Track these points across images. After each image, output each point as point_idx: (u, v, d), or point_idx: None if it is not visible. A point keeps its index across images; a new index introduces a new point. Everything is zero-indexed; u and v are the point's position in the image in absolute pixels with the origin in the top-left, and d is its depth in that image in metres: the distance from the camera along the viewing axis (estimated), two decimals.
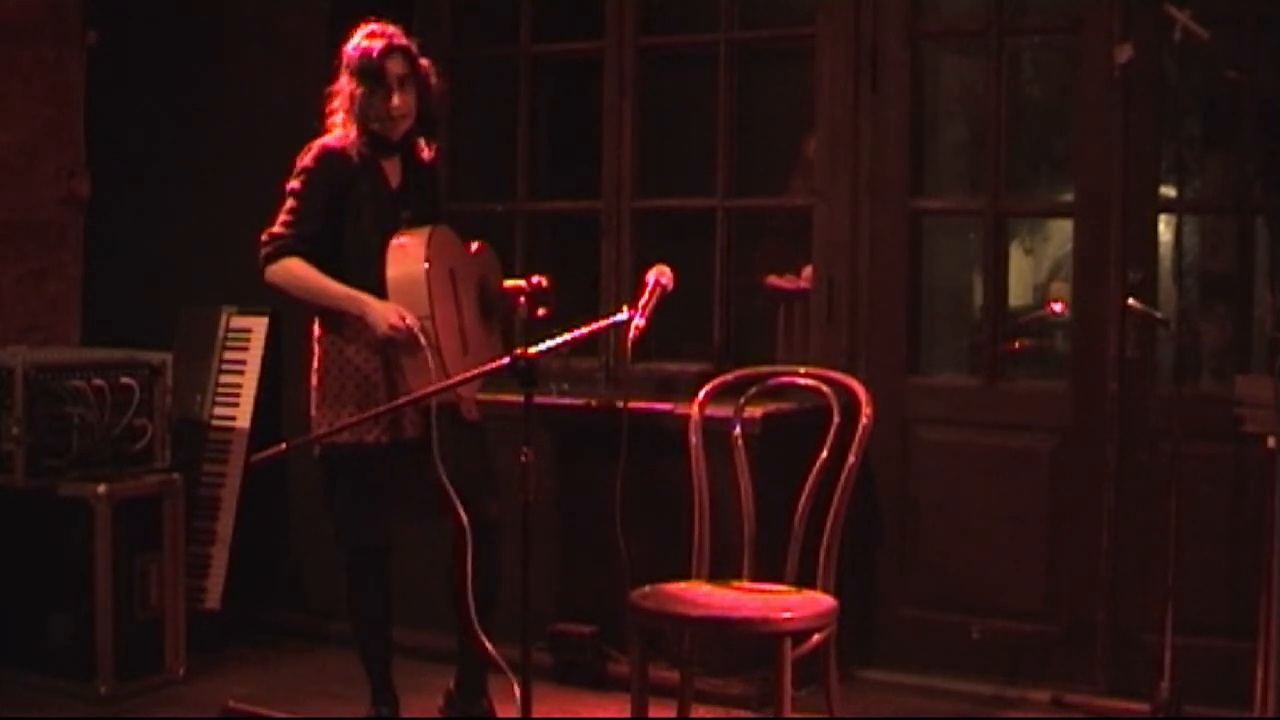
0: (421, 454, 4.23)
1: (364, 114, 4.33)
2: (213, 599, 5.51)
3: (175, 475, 5.14)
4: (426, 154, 4.47)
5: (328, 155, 4.36)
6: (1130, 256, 4.86)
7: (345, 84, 4.35)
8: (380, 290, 4.26)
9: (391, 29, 4.37)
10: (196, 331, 5.79)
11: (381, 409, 4.16)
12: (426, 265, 4.20)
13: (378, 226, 4.33)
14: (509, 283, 4.57)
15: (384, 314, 4.20)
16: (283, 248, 4.32)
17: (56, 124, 6.09)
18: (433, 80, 4.41)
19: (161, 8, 6.05)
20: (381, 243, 4.31)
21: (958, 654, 5.07)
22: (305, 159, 4.39)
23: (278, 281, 4.34)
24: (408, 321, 4.18)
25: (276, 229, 4.35)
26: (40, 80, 6.03)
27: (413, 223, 4.37)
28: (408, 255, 4.24)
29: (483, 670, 4.48)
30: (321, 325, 4.40)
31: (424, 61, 4.39)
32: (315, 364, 4.41)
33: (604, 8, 5.63)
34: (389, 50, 4.31)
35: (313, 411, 4.39)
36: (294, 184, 4.38)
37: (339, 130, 4.37)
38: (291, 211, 4.35)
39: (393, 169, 4.43)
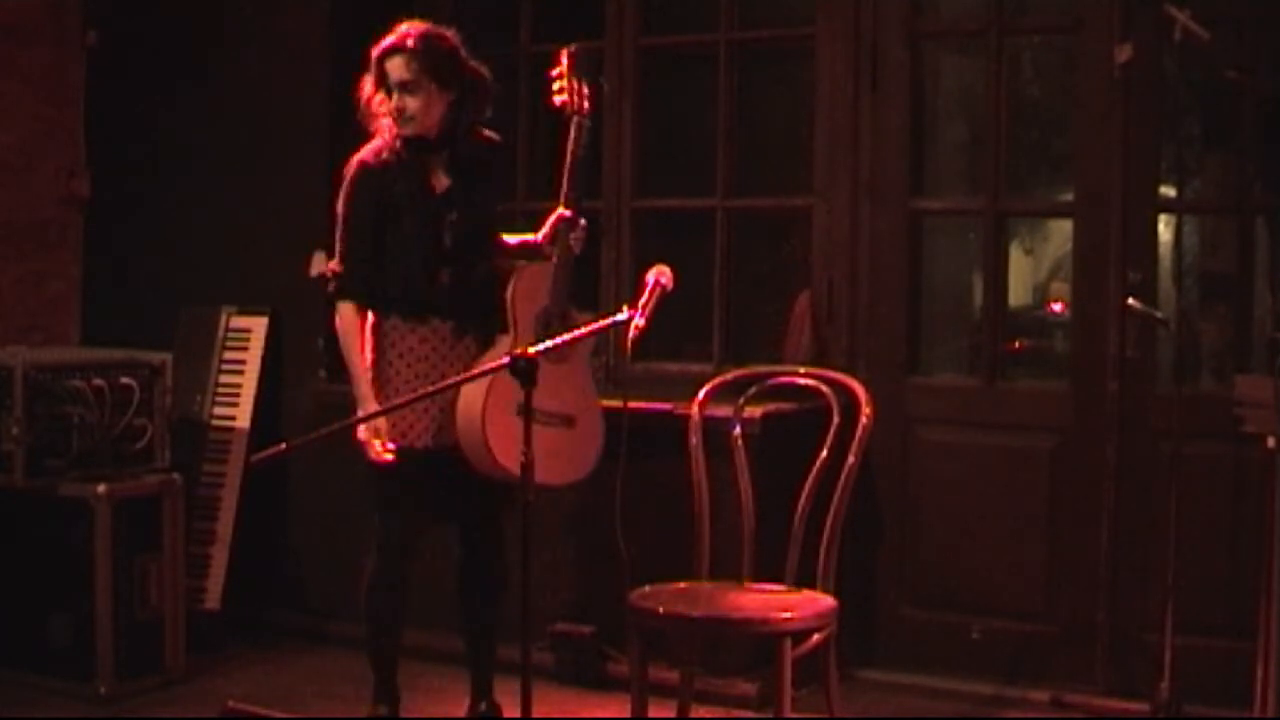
0: (455, 462, 4.29)
1: (389, 115, 4.30)
2: (213, 599, 5.51)
3: (175, 475, 5.13)
4: (486, 151, 4.41)
5: (362, 172, 4.30)
6: (1130, 256, 4.86)
7: (368, 84, 4.33)
8: (425, 300, 4.29)
9: (407, 27, 4.28)
10: (196, 331, 5.79)
11: (382, 410, 4.17)
12: (483, 430, 4.22)
13: (417, 232, 4.29)
14: (543, 231, 4.43)
15: (365, 427, 4.24)
16: (341, 289, 4.32)
17: (56, 124, 6.09)
18: (466, 77, 4.31)
19: (161, 8, 6.05)
20: (422, 248, 4.28)
21: (958, 654, 5.07)
22: (346, 180, 4.33)
23: (336, 324, 4.35)
24: (378, 449, 4.24)
25: (335, 264, 4.34)
26: (40, 80, 6.03)
27: (460, 225, 4.32)
28: (470, 409, 4.26)
29: (488, 672, 4.50)
30: (375, 318, 4.38)
31: (457, 57, 4.30)
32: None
33: (604, 8, 5.63)
34: (388, 52, 4.25)
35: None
36: (340, 210, 4.34)
37: (382, 134, 4.32)
38: (342, 244, 4.32)
39: (439, 170, 4.35)
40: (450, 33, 4.37)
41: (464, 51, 4.36)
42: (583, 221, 4.39)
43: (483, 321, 4.37)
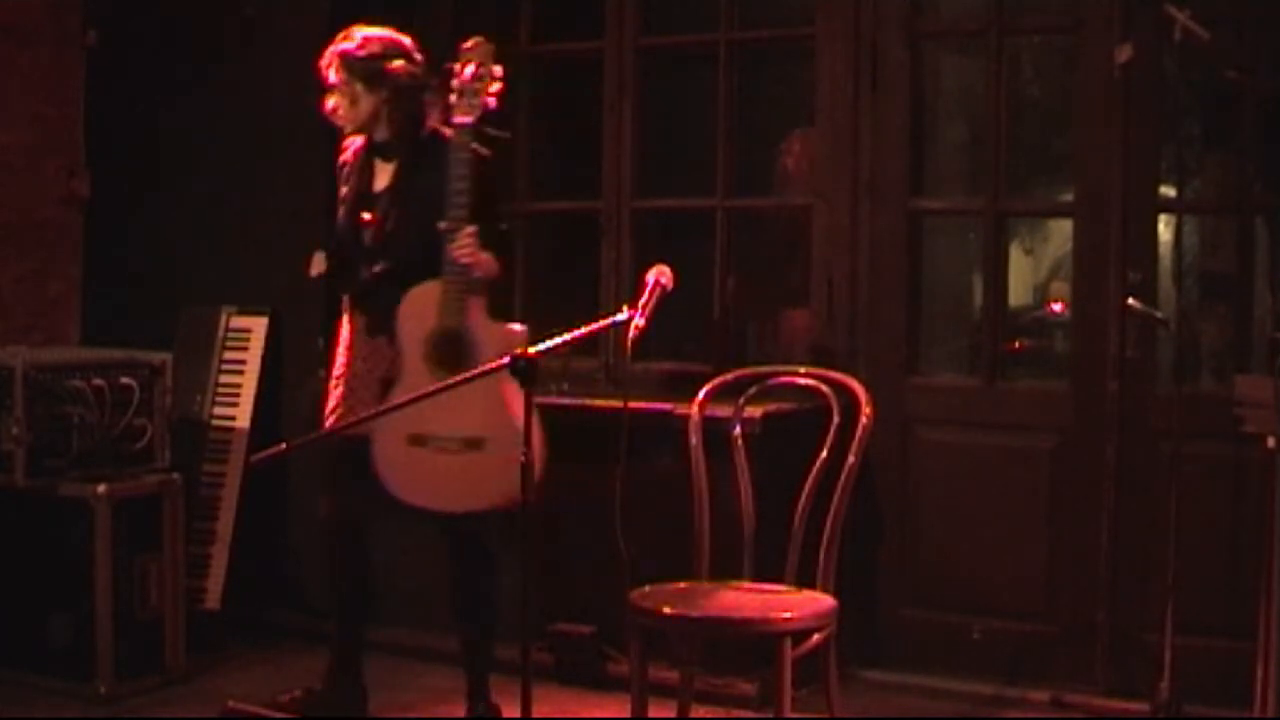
0: None
1: None
2: (213, 599, 5.51)
3: (175, 475, 5.13)
4: (456, 171, 4.35)
5: (336, 168, 4.58)
6: (1130, 256, 4.86)
7: None
8: (350, 294, 4.50)
9: (349, 33, 4.46)
10: (196, 331, 5.79)
11: (381, 410, 4.18)
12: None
13: (344, 224, 4.49)
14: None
15: None
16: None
17: (56, 124, 6.09)
18: (391, 77, 4.40)
19: (161, 8, 6.05)
20: (346, 243, 4.47)
21: (958, 654, 5.07)
22: None
23: None
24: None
25: None
26: (40, 80, 6.03)
27: (381, 224, 4.42)
28: None
29: (485, 673, 4.50)
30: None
31: (384, 63, 4.40)
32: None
33: (604, 8, 5.63)
34: (329, 58, 4.44)
35: None
36: None
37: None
38: None
39: (385, 170, 4.47)
40: (380, 35, 4.46)
41: (398, 51, 4.44)
42: (467, 229, 4.26)
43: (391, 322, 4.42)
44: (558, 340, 3.71)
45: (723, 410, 4.28)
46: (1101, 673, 4.88)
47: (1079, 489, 4.93)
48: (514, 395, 4.19)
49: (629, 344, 3.75)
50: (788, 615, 3.80)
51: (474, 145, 4.33)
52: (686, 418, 4.24)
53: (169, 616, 5.08)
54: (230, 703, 4.54)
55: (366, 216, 4.43)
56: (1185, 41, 4.34)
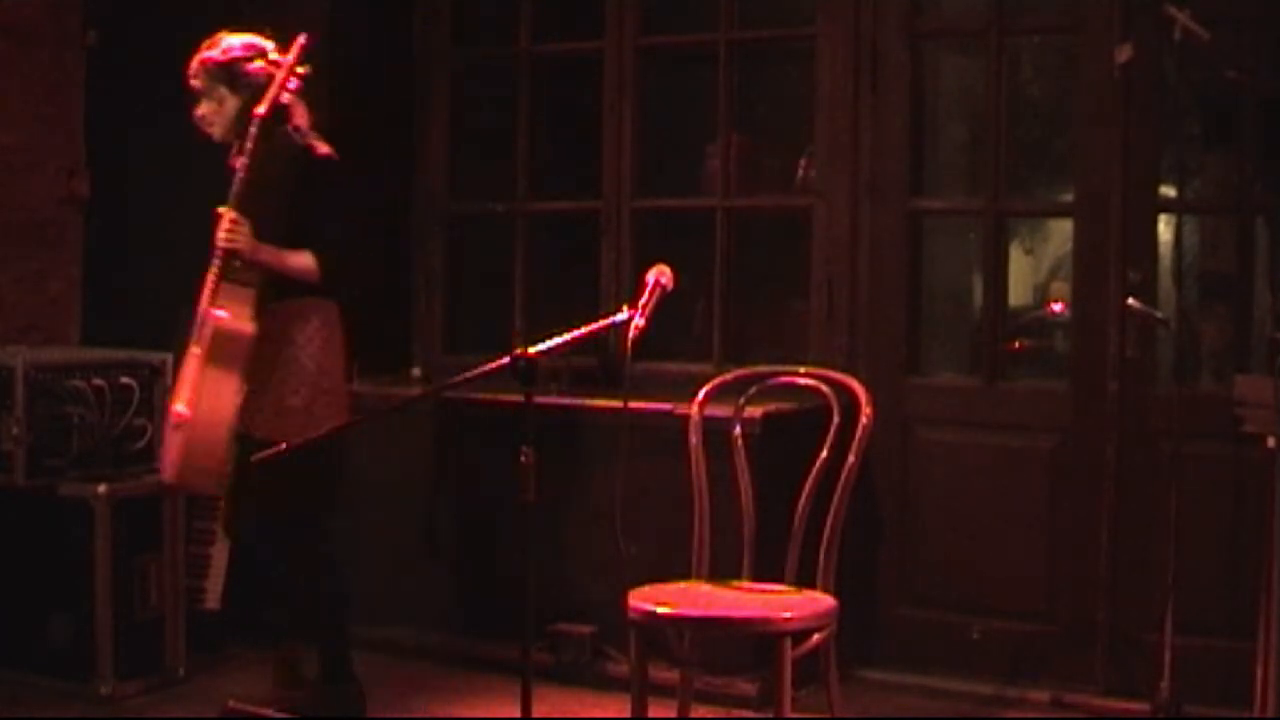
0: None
1: None
2: (213, 599, 5.49)
3: None
4: (240, 159, 4.46)
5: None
6: (1130, 256, 4.86)
7: None
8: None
9: (213, 41, 4.56)
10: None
11: (378, 413, 4.18)
12: None
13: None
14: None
15: None
16: None
17: (56, 124, 6.08)
18: (255, 82, 4.48)
19: (161, 8, 6.04)
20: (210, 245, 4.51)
21: (958, 654, 5.07)
22: None
23: None
24: None
25: None
26: (40, 80, 6.02)
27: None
28: None
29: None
30: None
31: (244, 65, 4.51)
32: None
33: (604, 8, 5.63)
34: (194, 67, 4.54)
35: None
36: None
37: None
38: None
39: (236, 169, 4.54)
40: (241, 41, 4.57)
41: (258, 54, 4.55)
42: (229, 215, 4.39)
43: None
44: (558, 340, 3.71)
45: (723, 410, 4.28)
46: (1101, 673, 4.88)
47: (1079, 489, 4.93)
48: (222, 385, 4.32)
49: (629, 344, 3.75)
50: (788, 615, 3.80)
51: (312, 142, 4.49)
52: (686, 418, 4.24)
53: (169, 616, 5.08)
54: (230, 703, 4.54)
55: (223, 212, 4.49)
56: (1185, 41, 4.34)
